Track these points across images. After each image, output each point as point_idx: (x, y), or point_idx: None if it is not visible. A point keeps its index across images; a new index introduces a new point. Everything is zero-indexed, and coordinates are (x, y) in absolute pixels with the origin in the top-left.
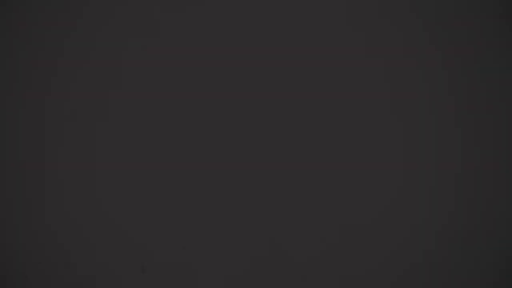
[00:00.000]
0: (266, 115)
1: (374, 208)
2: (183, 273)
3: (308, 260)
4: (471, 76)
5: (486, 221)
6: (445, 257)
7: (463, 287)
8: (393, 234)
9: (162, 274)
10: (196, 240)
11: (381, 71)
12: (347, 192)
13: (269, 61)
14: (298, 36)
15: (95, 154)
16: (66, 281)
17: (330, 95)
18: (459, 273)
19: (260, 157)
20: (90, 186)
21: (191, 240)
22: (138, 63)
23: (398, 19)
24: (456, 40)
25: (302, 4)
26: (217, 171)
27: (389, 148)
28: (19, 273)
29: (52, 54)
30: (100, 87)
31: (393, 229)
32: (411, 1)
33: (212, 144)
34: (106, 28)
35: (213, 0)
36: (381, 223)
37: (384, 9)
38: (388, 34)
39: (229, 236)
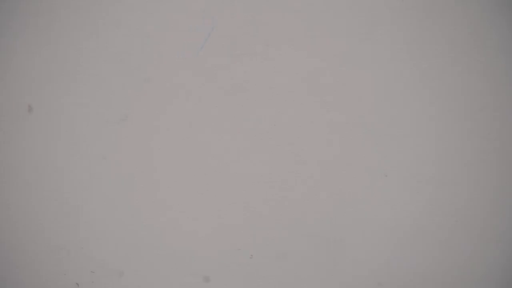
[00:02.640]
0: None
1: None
2: (250, 282)
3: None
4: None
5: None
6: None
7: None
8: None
9: (228, 284)
10: (262, 249)
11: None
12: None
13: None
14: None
15: (151, 158)
16: None
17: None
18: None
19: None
20: (145, 192)
21: (259, 249)
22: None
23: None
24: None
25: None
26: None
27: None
28: (71, 281)
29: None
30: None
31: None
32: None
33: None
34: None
35: None
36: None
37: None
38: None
39: (299, 242)
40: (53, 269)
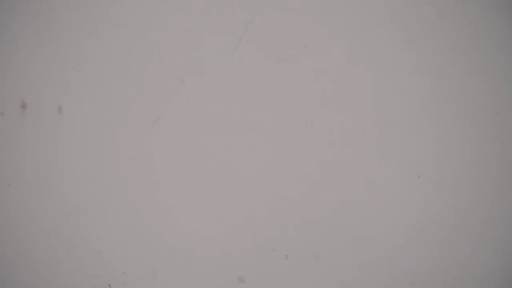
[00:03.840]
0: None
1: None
2: (284, 283)
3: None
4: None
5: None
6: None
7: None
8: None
9: (262, 285)
10: (299, 250)
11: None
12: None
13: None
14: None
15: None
16: None
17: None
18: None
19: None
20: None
21: (294, 250)
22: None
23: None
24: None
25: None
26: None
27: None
28: (104, 283)
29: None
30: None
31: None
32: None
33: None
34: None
35: None
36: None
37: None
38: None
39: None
40: (85, 270)
